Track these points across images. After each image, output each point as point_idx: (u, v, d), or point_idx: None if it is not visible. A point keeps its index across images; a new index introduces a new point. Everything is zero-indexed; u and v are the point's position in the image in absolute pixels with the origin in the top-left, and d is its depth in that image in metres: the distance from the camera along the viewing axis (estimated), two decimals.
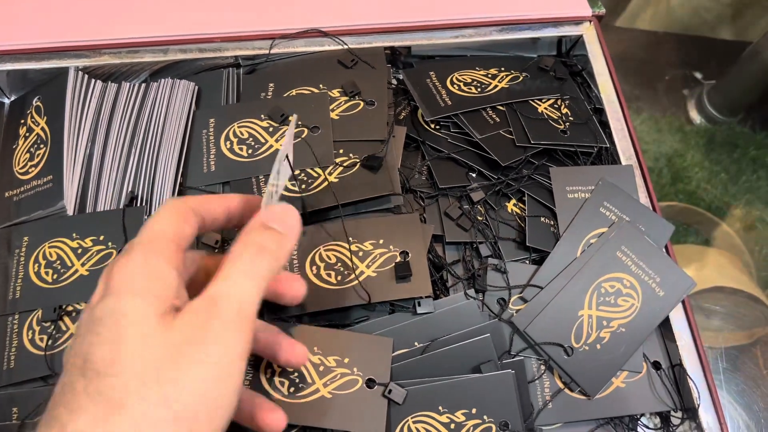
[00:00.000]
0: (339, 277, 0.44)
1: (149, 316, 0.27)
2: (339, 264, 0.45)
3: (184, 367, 0.26)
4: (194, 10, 0.53)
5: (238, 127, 0.50)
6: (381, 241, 0.46)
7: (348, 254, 0.45)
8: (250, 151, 0.49)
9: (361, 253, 0.45)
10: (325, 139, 0.49)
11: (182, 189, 0.48)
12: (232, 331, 0.28)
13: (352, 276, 0.44)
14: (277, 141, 0.49)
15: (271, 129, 0.50)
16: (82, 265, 0.43)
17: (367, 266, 0.45)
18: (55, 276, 0.43)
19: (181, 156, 0.49)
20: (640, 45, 0.90)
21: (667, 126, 0.83)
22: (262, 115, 0.50)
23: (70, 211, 0.45)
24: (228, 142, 0.50)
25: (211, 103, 0.51)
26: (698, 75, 0.88)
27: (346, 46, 0.53)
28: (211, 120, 0.50)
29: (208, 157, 0.49)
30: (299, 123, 0.50)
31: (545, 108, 0.53)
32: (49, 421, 0.25)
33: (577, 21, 0.57)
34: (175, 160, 0.48)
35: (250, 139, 0.50)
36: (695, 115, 0.85)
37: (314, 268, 0.44)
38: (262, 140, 0.49)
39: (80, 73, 0.49)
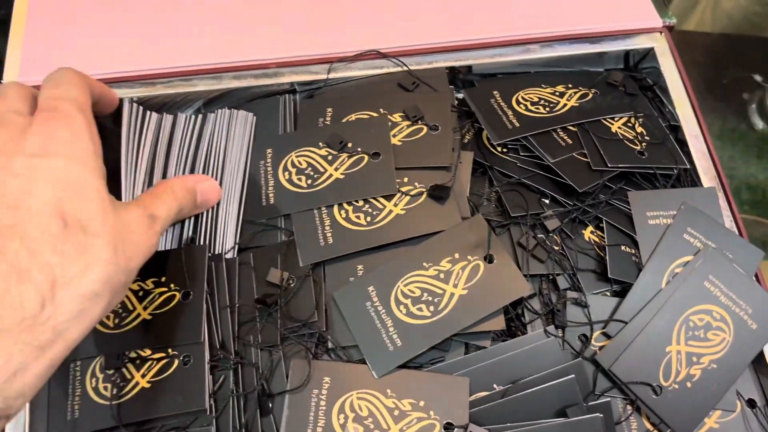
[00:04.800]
0: (431, 308, 0.42)
1: (106, 195, 0.33)
2: (426, 294, 0.42)
3: (136, 252, 0.34)
4: (247, 36, 0.51)
5: (296, 156, 0.48)
6: (457, 255, 0.44)
7: (431, 281, 0.43)
8: (309, 182, 0.47)
9: (442, 275, 0.43)
10: (386, 166, 0.47)
11: (244, 222, 0.46)
12: (156, 245, 0.37)
13: (443, 304, 0.42)
14: (336, 170, 0.47)
15: (330, 157, 0.47)
16: (144, 308, 0.42)
17: (454, 285, 0.43)
18: (116, 320, 0.41)
19: (243, 190, 0.47)
20: (690, 47, 0.86)
21: (729, 133, 0.79)
22: (320, 143, 0.48)
23: None
24: (286, 173, 0.47)
25: (268, 132, 0.49)
26: (758, 78, 0.84)
27: (405, 68, 0.51)
28: (269, 150, 0.48)
29: (267, 189, 0.47)
30: (358, 149, 0.47)
31: (619, 127, 0.50)
32: (34, 257, 0.29)
33: (647, 32, 0.54)
34: (238, 194, 0.46)
35: (309, 168, 0.47)
36: (757, 120, 0.81)
37: (402, 307, 0.42)
38: (321, 169, 0.47)
39: (135, 104, 0.47)
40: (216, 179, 0.47)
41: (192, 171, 0.47)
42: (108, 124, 0.46)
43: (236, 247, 0.45)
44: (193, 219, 0.45)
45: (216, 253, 0.45)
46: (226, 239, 0.45)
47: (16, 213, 0.30)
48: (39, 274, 0.29)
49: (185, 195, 0.41)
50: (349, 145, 0.48)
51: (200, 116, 0.49)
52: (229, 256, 0.44)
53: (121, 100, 0.47)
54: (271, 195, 0.47)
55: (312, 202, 0.46)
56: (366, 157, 0.47)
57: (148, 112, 0.47)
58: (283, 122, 0.50)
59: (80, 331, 0.31)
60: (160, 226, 0.38)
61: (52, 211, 0.31)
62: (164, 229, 0.39)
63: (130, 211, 0.35)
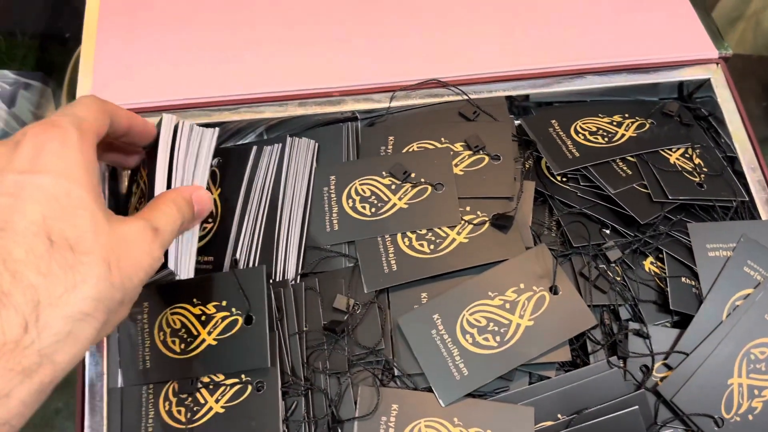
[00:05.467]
0: (498, 338, 0.43)
1: (98, 210, 0.32)
2: (492, 324, 0.43)
3: (135, 267, 0.33)
4: (311, 64, 0.52)
5: (360, 184, 0.49)
6: (522, 285, 0.44)
7: (497, 311, 0.43)
8: (373, 210, 0.48)
9: (508, 305, 0.44)
10: (449, 196, 0.47)
11: (306, 248, 0.47)
12: (162, 257, 0.36)
13: (509, 334, 0.43)
14: (400, 199, 0.48)
15: (393, 186, 0.48)
16: (209, 333, 0.42)
17: (521, 316, 0.43)
18: (182, 345, 0.42)
19: (305, 216, 0.47)
20: (739, 72, 0.86)
21: None
22: (384, 172, 0.49)
23: (183, 275, 0.43)
24: (350, 200, 0.48)
25: (331, 159, 0.50)
26: None
27: (466, 97, 0.51)
28: (332, 177, 0.49)
29: (331, 216, 0.48)
30: (422, 180, 0.48)
31: (677, 158, 0.51)
32: (16, 279, 0.28)
33: (703, 63, 0.54)
34: (300, 220, 0.47)
35: (373, 197, 0.48)
36: None
37: (468, 336, 0.43)
38: (385, 198, 0.48)
39: (177, 123, 0.47)
40: (278, 205, 0.48)
41: (248, 195, 0.48)
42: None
43: (299, 272, 0.46)
44: (252, 242, 0.46)
45: (280, 278, 0.46)
46: (289, 264, 0.46)
47: (2, 234, 0.29)
48: (21, 297, 0.28)
49: (185, 206, 0.40)
50: (413, 175, 0.48)
51: (262, 143, 0.50)
52: (291, 279, 0.45)
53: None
54: (335, 221, 0.48)
55: (376, 231, 0.47)
56: (429, 188, 0.48)
57: (199, 130, 0.48)
58: (346, 150, 0.51)
59: (71, 354, 0.30)
60: (163, 239, 0.36)
61: (38, 230, 0.30)
62: (168, 243, 0.37)
63: (130, 224, 0.34)
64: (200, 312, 0.43)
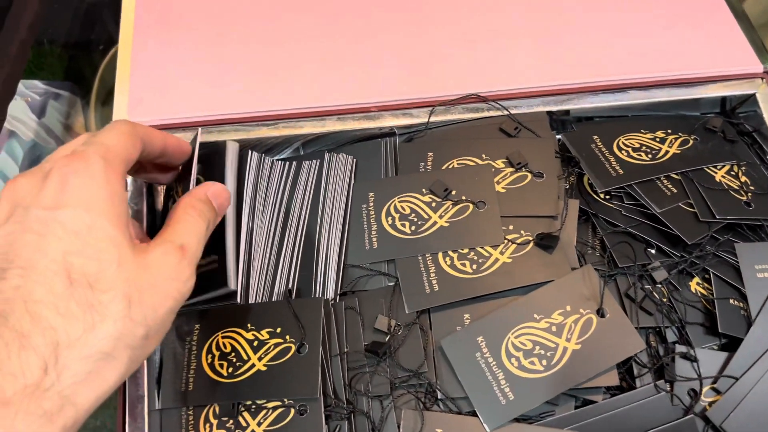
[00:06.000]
0: (544, 362, 0.42)
1: (123, 240, 0.31)
2: (539, 348, 0.42)
3: (160, 297, 0.32)
4: (350, 79, 0.51)
5: (399, 201, 0.48)
6: (568, 308, 0.43)
7: (543, 334, 0.42)
8: (413, 228, 0.47)
9: (554, 328, 0.43)
10: (491, 214, 0.47)
11: (345, 267, 0.46)
12: (193, 276, 0.34)
13: (556, 358, 0.42)
14: (441, 217, 0.47)
15: (433, 204, 0.48)
16: (259, 359, 0.42)
17: (567, 339, 0.42)
18: (230, 369, 0.42)
19: (344, 233, 0.47)
20: None
21: None
22: (424, 189, 0.48)
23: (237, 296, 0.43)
24: (389, 218, 0.47)
25: (369, 175, 0.50)
26: None
27: (507, 113, 0.51)
28: (371, 194, 0.49)
29: (370, 234, 0.47)
30: (463, 197, 0.47)
31: (722, 176, 0.49)
32: (36, 321, 0.28)
33: (748, 78, 0.53)
34: (338, 238, 0.47)
35: (413, 214, 0.47)
36: None
37: (514, 360, 0.42)
38: (425, 216, 0.47)
39: (237, 146, 0.47)
40: (316, 222, 0.47)
41: (288, 213, 0.47)
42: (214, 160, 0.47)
43: (338, 291, 0.45)
44: (288, 261, 0.46)
45: (318, 296, 0.45)
46: (329, 283, 0.45)
47: (24, 273, 0.29)
48: (41, 338, 0.28)
49: (205, 207, 0.38)
50: (453, 192, 0.48)
51: (300, 159, 0.49)
52: (331, 299, 0.45)
53: (225, 144, 0.47)
54: (374, 239, 0.47)
55: (417, 249, 0.46)
56: (471, 206, 0.47)
57: (250, 153, 0.48)
58: (384, 165, 0.50)
59: (93, 395, 0.29)
60: (192, 254, 0.35)
61: (58, 268, 0.29)
62: (198, 254, 0.35)
63: (154, 250, 0.33)
64: (253, 337, 0.42)
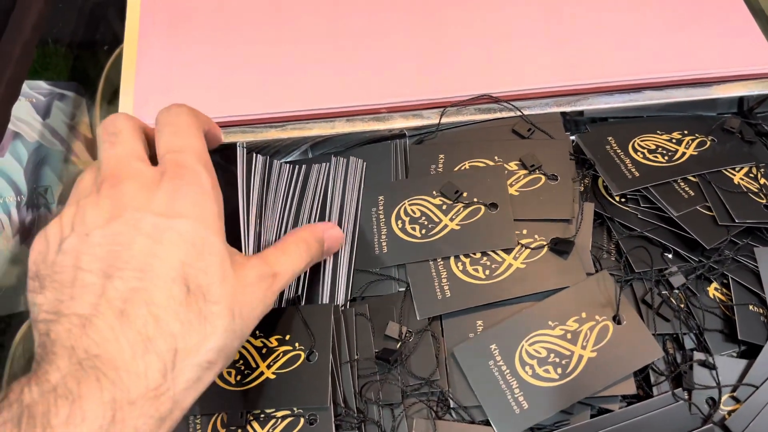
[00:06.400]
0: (559, 370, 0.41)
1: (227, 256, 0.33)
2: (553, 356, 0.41)
3: (252, 316, 0.33)
4: (359, 80, 0.50)
5: (409, 204, 0.47)
6: (584, 314, 0.42)
7: (558, 341, 0.41)
8: (423, 231, 0.46)
9: (569, 335, 0.42)
10: (504, 217, 0.46)
11: (355, 272, 0.45)
12: (274, 298, 0.36)
13: (571, 366, 0.41)
14: (452, 220, 0.46)
15: (444, 207, 0.47)
16: (268, 367, 0.41)
17: (583, 347, 0.41)
18: (238, 377, 0.41)
19: (354, 238, 0.46)
20: None
21: None
22: (434, 192, 0.47)
23: None
24: (399, 221, 0.47)
25: (379, 178, 0.49)
26: None
27: (519, 113, 0.50)
28: (380, 197, 0.48)
29: (380, 238, 0.46)
30: (474, 200, 0.46)
31: (741, 178, 0.48)
32: (159, 325, 0.29)
33: (766, 77, 0.52)
34: (348, 243, 0.46)
35: (423, 218, 0.46)
36: None
37: (528, 368, 0.41)
38: (436, 219, 0.46)
39: (246, 149, 0.46)
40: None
41: (297, 217, 0.47)
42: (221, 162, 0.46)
43: (348, 297, 0.44)
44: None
45: (328, 302, 0.44)
46: (339, 288, 0.45)
47: (143, 276, 0.30)
48: (163, 344, 0.29)
49: (315, 245, 0.40)
50: (465, 194, 0.46)
51: (308, 162, 0.48)
52: (341, 305, 0.44)
53: (233, 146, 0.46)
54: (384, 244, 0.46)
55: (427, 253, 0.45)
56: (483, 208, 0.46)
57: (260, 158, 0.47)
58: (395, 168, 0.49)
59: (194, 399, 0.31)
60: (282, 284, 0.36)
61: (176, 276, 0.30)
62: (286, 285, 0.37)
63: (252, 269, 0.34)
64: (262, 344, 0.41)
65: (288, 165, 0.48)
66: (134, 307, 0.29)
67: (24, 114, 0.62)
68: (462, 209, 0.46)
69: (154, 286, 0.30)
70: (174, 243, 0.31)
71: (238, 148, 0.46)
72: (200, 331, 0.30)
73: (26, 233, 0.57)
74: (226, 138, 0.48)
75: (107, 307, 0.29)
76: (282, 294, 0.44)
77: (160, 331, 0.29)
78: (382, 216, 0.47)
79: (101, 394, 0.27)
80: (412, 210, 0.47)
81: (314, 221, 0.46)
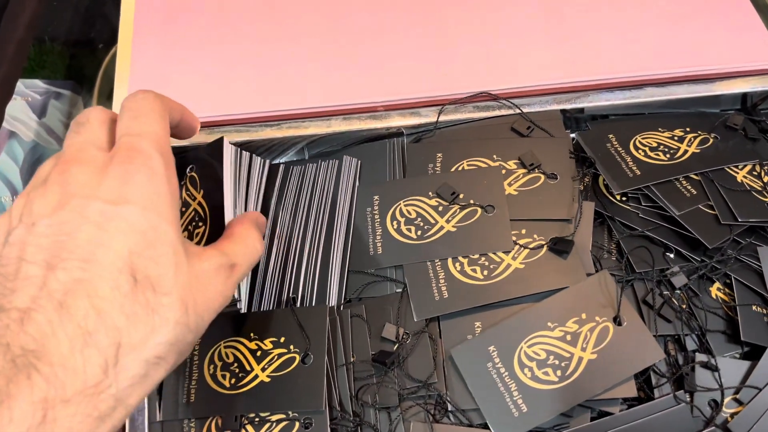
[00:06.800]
0: (559, 373, 0.40)
1: (180, 245, 0.31)
2: (552, 358, 0.40)
3: (208, 309, 0.32)
4: (355, 78, 0.49)
5: (405, 205, 0.46)
6: (584, 316, 0.42)
7: (557, 343, 0.41)
8: (419, 233, 0.45)
9: (569, 337, 0.41)
10: (500, 219, 0.45)
11: (350, 273, 0.45)
12: (233, 290, 0.34)
13: (571, 369, 0.40)
14: (448, 222, 0.45)
15: (440, 208, 0.46)
16: (263, 370, 0.40)
17: (582, 348, 0.41)
18: (233, 380, 0.40)
19: (347, 239, 0.45)
20: None
21: None
22: (430, 193, 0.46)
23: (243, 307, 0.42)
24: (395, 222, 0.46)
25: (376, 178, 0.48)
26: None
27: (519, 111, 0.49)
28: (376, 197, 0.47)
29: (375, 239, 0.46)
30: (471, 201, 0.46)
31: (744, 176, 0.47)
32: (101, 319, 0.27)
33: None
34: (342, 244, 0.45)
35: (419, 219, 0.46)
36: None
37: (527, 371, 0.40)
38: (432, 220, 0.46)
39: (236, 148, 0.45)
40: (320, 226, 0.46)
41: (294, 217, 0.46)
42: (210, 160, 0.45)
43: (342, 298, 0.44)
44: (294, 268, 0.44)
45: (323, 304, 0.44)
46: (333, 290, 0.44)
47: (87, 266, 0.28)
48: (105, 338, 0.27)
49: (261, 234, 0.38)
50: (461, 195, 0.46)
51: (303, 161, 0.48)
52: (335, 304, 0.43)
53: (222, 139, 0.46)
54: (378, 245, 0.45)
55: (423, 255, 0.45)
56: (479, 210, 0.45)
57: (251, 156, 0.46)
58: (392, 167, 0.48)
59: (140, 396, 0.29)
60: (239, 275, 0.35)
61: (123, 266, 0.28)
62: (243, 278, 0.35)
63: (208, 260, 0.33)
64: (256, 347, 0.41)
65: (281, 165, 0.48)
66: (75, 299, 0.27)
67: (20, 113, 0.62)
68: (458, 211, 0.46)
69: (98, 276, 0.28)
70: (121, 231, 0.29)
71: (224, 145, 0.45)
72: (147, 324, 0.28)
73: None
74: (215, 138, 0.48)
75: (47, 300, 0.27)
76: (278, 295, 0.44)
77: (102, 324, 0.27)
78: (377, 216, 0.46)
79: (31, 392, 0.25)
80: (407, 211, 0.46)
81: (309, 222, 0.46)
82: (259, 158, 0.47)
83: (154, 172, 0.31)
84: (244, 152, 0.44)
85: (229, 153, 0.44)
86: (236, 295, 0.40)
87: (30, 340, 0.26)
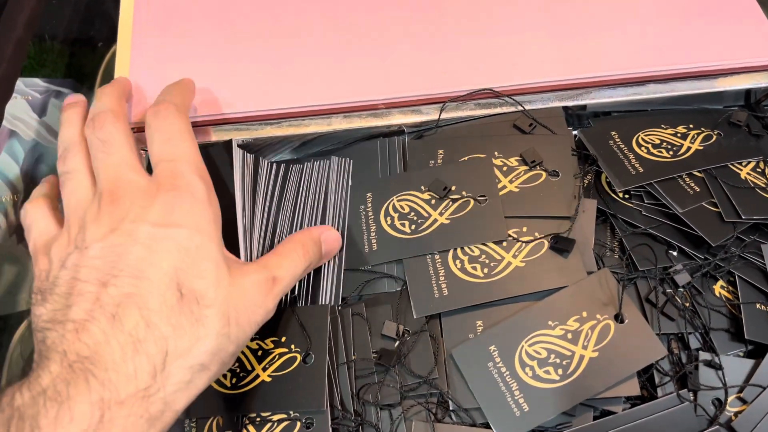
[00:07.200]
0: (560, 371, 0.40)
1: (222, 262, 0.33)
2: (554, 356, 0.40)
3: (250, 321, 0.34)
4: (356, 76, 0.49)
5: (398, 200, 0.46)
6: (585, 314, 0.41)
7: (558, 342, 0.40)
8: (413, 227, 0.45)
9: (570, 335, 0.41)
10: (493, 210, 0.45)
11: (347, 272, 0.45)
12: (275, 308, 0.36)
13: (572, 367, 0.40)
14: (441, 214, 0.45)
15: (433, 201, 0.46)
16: (264, 369, 0.40)
17: (584, 347, 0.40)
18: (234, 380, 0.40)
19: (342, 237, 0.45)
20: None
21: None
22: (423, 187, 0.46)
23: None
24: (388, 218, 0.46)
25: (368, 175, 0.48)
26: None
27: (520, 108, 0.48)
28: (368, 194, 0.47)
29: (369, 235, 0.45)
30: (463, 193, 0.45)
31: (748, 173, 0.47)
32: (150, 329, 0.30)
33: None
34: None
35: (412, 213, 0.46)
36: None
37: (528, 370, 0.40)
38: (425, 214, 0.45)
39: (242, 150, 0.45)
40: (313, 224, 0.46)
41: (293, 217, 0.46)
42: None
43: (339, 296, 0.44)
44: None
45: (322, 303, 0.43)
46: (330, 288, 0.44)
47: (137, 282, 0.31)
48: (153, 346, 0.30)
49: (313, 248, 0.40)
50: (453, 188, 0.46)
51: (295, 162, 0.48)
52: (331, 303, 0.43)
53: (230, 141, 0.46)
54: (374, 241, 0.45)
55: (418, 249, 0.44)
56: (471, 201, 0.45)
57: (251, 156, 0.46)
58: (389, 165, 0.48)
59: (186, 402, 0.31)
60: (282, 288, 0.37)
61: (170, 282, 0.31)
62: (287, 290, 0.38)
63: (250, 274, 0.35)
64: (257, 347, 0.41)
65: (273, 164, 0.47)
66: (126, 311, 0.30)
67: (20, 112, 0.62)
68: (451, 203, 0.45)
69: (147, 291, 0.31)
70: (168, 251, 0.32)
71: (233, 148, 0.45)
72: (192, 333, 0.31)
73: (23, 232, 0.57)
74: (222, 136, 0.47)
75: (101, 312, 0.30)
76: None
77: (150, 333, 0.30)
78: (371, 213, 0.46)
79: (89, 394, 0.28)
80: (400, 206, 0.46)
81: (299, 221, 0.46)
82: (261, 158, 0.47)
83: (196, 198, 0.34)
84: (248, 154, 0.45)
85: (238, 156, 0.44)
86: None
87: (85, 348, 0.29)
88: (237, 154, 0.44)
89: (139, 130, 0.47)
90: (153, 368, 0.30)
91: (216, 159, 0.46)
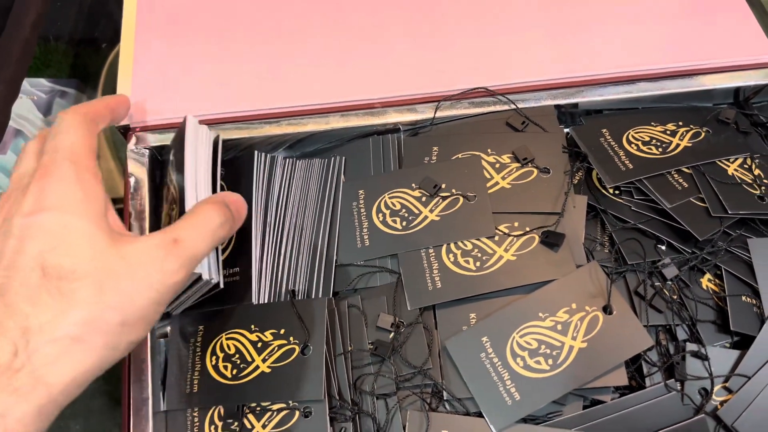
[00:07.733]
0: (550, 361, 0.41)
1: (98, 234, 0.33)
2: (544, 347, 0.41)
3: (139, 286, 0.33)
4: (353, 75, 0.50)
5: (389, 197, 0.47)
6: (574, 306, 0.43)
7: (548, 333, 0.42)
8: (404, 223, 0.46)
9: (560, 327, 0.42)
10: (482, 207, 0.46)
11: (338, 266, 0.46)
12: (183, 270, 0.34)
13: (562, 357, 0.41)
14: (431, 211, 0.46)
15: (424, 198, 0.47)
16: (263, 361, 0.42)
17: (573, 337, 0.42)
18: (234, 371, 0.42)
19: (332, 233, 0.47)
20: None
21: None
22: (413, 184, 0.47)
23: (211, 280, 0.40)
24: (380, 215, 0.47)
25: (360, 173, 0.49)
26: None
27: (513, 106, 0.50)
28: (361, 191, 0.48)
29: (361, 231, 0.47)
30: (453, 191, 0.47)
31: (735, 169, 0.48)
32: (9, 309, 0.30)
33: (762, 67, 0.51)
34: (327, 237, 0.47)
35: (403, 210, 0.47)
36: None
37: (519, 360, 0.41)
38: (416, 211, 0.47)
39: (204, 127, 0.46)
40: (306, 221, 0.47)
41: (285, 213, 0.47)
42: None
43: (332, 289, 0.45)
44: (287, 264, 0.46)
45: (319, 297, 0.45)
46: (322, 282, 0.45)
47: (7, 273, 0.32)
48: (11, 324, 0.30)
49: (218, 207, 0.38)
50: (443, 186, 0.47)
51: (290, 160, 0.49)
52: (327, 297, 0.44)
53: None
54: (365, 237, 0.46)
55: (409, 245, 0.46)
56: (461, 198, 0.46)
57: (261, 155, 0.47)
58: (383, 162, 0.49)
59: (68, 376, 0.31)
60: (187, 248, 0.35)
61: (34, 265, 0.32)
62: (197, 251, 0.35)
63: (142, 241, 0.34)
64: (257, 339, 0.42)
65: (265, 159, 0.49)
66: None
67: (26, 111, 0.63)
68: (441, 200, 0.47)
69: (13, 278, 0.31)
70: (34, 236, 0.32)
71: (187, 123, 0.45)
72: (55, 308, 0.31)
73: None
74: (222, 134, 0.48)
75: None
76: (278, 288, 0.45)
77: (10, 314, 0.31)
78: (363, 210, 0.47)
79: None
80: (392, 203, 0.47)
81: (300, 217, 0.47)
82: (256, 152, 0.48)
83: (63, 180, 0.34)
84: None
85: (192, 132, 0.44)
86: (205, 276, 0.39)
87: None
88: (192, 131, 0.44)
89: (141, 130, 0.48)
90: (13, 345, 0.30)
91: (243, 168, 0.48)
